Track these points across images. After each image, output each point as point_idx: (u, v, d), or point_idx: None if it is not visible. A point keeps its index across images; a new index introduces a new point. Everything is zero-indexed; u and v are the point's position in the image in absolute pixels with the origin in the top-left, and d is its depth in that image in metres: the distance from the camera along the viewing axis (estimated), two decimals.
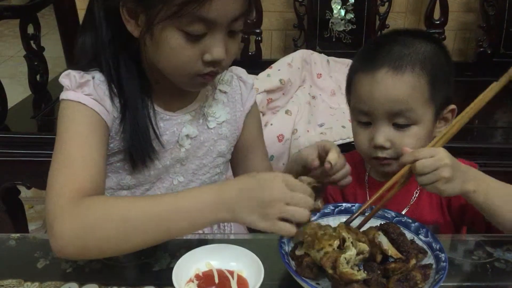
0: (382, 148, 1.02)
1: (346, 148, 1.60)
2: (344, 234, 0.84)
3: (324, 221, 0.93)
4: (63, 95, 0.97)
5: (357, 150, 1.10)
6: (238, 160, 1.21)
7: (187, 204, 0.85)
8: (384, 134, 1.01)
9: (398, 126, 1.01)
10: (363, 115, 1.04)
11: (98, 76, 0.99)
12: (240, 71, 1.18)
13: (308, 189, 0.86)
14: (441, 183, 0.87)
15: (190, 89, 1.03)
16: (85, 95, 0.96)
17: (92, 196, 0.87)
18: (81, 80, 0.97)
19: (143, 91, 1.01)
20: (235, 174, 1.24)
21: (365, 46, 1.14)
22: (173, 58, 0.93)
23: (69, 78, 0.97)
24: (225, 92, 1.14)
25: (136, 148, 1.01)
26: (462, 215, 1.06)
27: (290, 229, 0.82)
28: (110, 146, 1.02)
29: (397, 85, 0.99)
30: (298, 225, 0.84)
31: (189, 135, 1.08)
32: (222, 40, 0.91)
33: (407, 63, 0.99)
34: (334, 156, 0.96)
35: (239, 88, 1.16)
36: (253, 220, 0.83)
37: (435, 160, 0.87)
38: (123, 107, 0.99)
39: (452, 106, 1.06)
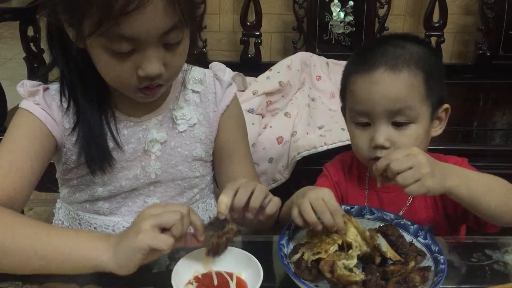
0: (382, 147, 1.02)
1: (346, 150, 1.61)
2: (352, 240, 0.84)
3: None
4: (20, 103, 1.01)
5: (355, 153, 1.10)
6: (217, 163, 1.16)
7: (65, 247, 0.84)
8: (384, 134, 1.01)
9: (397, 125, 1.01)
10: (361, 116, 1.04)
11: (56, 87, 1.01)
12: (218, 68, 1.14)
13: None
14: (424, 180, 0.85)
15: (139, 100, 0.98)
16: (34, 104, 0.99)
17: None
18: (31, 89, 0.99)
19: (101, 98, 1.00)
20: (216, 177, 1.19)
21: (357, 50, 1.15)
22: (107, 74, 0.93)
23: (23, 87, 1.00)
24: (198, 92, 1.10)
25: (91, 158, 1.01)
26: (456, 211, 1.06)
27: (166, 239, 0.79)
28: (72, 159, 1.03)
29: (395, 83, 1.00)
30: None
31: (157, 140, 1.05)
32: (154, 56, 0.88)
33: (402, 62, 1.00)
34: (223, 202, 0.85)
35: (213, 87, 1.11)
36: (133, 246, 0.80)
37: (409, 156, 0.87)
38: (76, 117, 1.00)
39: (446, 105, 1.07)
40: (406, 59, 1.01)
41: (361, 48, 1.15)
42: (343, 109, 1.13)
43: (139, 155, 1.05)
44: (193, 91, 1.10)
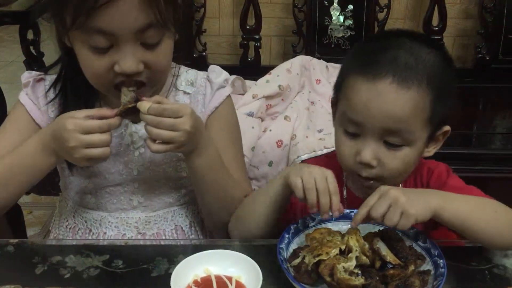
0: (368, 166, 0.92)
1: None
2: (353, 244, 0.84)
3: (322, 227, 0.93)
4: None
5: (339, 160, 0.99)
6: None
7: (21, 159, 0.96)
8: (373, 151, 0.91)
9: (389, 145, 0.92)
10: (352, 125, 0.93)
11: (52, 78, 1.07)
12: (213, 70, 1.13)
13: (104, 126, 0.91)
14: (407, 210, 0.81)
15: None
16: (25, 95, 1.06)
17: None
18: (25, 81, 1.06)
19: (88, 96, 1.03)
20: None
21: (363, 44, 1.02)
22: (85, 69, 0.95)
23: (23, 78, 1.07)
24: (188, 94, 1.11)
25: None
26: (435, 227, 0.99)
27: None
28: None
29: (401, 101, 0.89)
30: None
31: (141, 136, 1.05)
32: (130, 52, 0.90)
33: (414, 77, 0.89)
34: None
35: (203, 89, 1.11)
36: (73, 161, 0.95)
37: (383, 197, 0.83)
38: (62, 108, 1.04)
39: (447, 128, 0.98)
40: (419, 74, 0.89)
41: (366, 43, 1.03)
42: (334, 104, 1.01)
43: (122, 150, 1.07)
44: (184, 92, 1.11)
